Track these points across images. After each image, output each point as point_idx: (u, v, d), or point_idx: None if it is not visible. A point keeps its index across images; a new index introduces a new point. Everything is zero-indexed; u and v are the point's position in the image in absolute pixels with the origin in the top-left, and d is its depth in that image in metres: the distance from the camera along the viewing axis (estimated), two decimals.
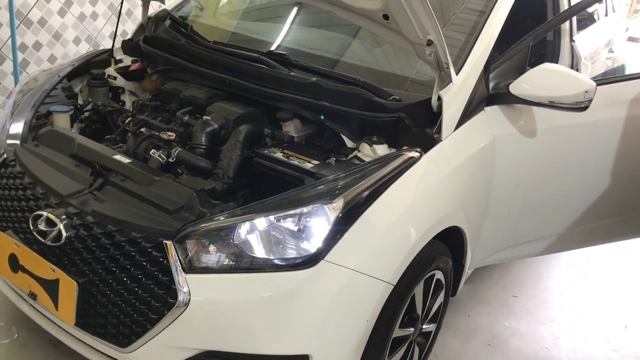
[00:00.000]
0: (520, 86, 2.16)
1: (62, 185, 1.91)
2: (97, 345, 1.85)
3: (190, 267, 1.69)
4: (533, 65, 2.21)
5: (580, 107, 2.10)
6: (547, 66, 2.18)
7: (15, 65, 3.52)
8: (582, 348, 2.77)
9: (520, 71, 2.23)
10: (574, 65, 2.94)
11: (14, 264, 1.92)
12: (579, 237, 2.85)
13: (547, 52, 2.92)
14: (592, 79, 2.18)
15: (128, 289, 1.73)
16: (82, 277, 1.77)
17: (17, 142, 2.17)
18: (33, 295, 1.89)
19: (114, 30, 2.78)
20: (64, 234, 1.78)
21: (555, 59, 2.87)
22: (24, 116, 2.27)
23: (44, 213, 1.80)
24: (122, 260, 1.74)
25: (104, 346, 1.82)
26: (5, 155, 2.12)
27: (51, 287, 1.83)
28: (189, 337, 1.70)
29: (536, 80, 2.15)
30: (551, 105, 2.13)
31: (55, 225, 1.78)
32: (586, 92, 2.08)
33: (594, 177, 2.67)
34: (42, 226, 1.80)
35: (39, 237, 1.82)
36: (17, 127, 2.23)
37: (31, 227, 1.82)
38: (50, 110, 2.33)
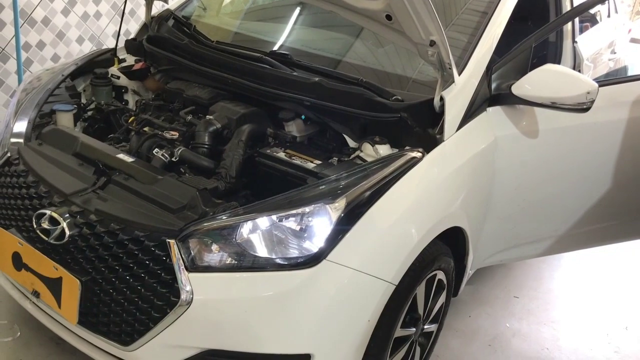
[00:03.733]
0: (523, 87, 2.16)
1: (65, 184, 1.91)
2: (99, 343, 1.86)
3: (193, 266, 1.69)
4: (535, 66, 2.21)
5: (582, 108, 2.10)
6: (549, 67, 2.18)
7: (19, 64, 3.53)
8: (583, 349, 2.77)
9: (523, 72, 2.23)
10: (576, 66, 2.94)
11: (18, 262, 1.93)
12: (580, 239, 2.85)
13: (549, 53, 2.93)
14: (594, 80, 2.17)
15: (131, 288, 1.73)
16: (85, 276, 1.77)
17: (21, 140, 2.17)
18: (36, 294, 1.90)
19: (118, 29, 2.78)
20: (67, 232, 1.78)
21: (557, 60, 2.87)
22: (27, 115, 2.28)
23: (48, 211, 1.80)
24: (125, 258, 1.74)
25: (107, 345, 1.83)
26: (9, 154, 2.13)
27: (54, 286, 1.84)
28: (191, 335, 1.71)
29: (538, 81, 2.15)
30: (553, 106, 2.13)
31: (59, 223, 1.79)
32: (588, 93, 2.08)
33: (595, 178, 2.67)
34: (45, 224, 1.80)
35: (42, 236, 1.82)
36: (21, 126, 2.24)
37: (34, 226, 1.83)
38: (53, 109, 2.34)
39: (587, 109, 2.10)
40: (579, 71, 2.91)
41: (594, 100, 2.09)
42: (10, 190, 2.03)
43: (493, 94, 2.24)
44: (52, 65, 3.12)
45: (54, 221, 1.80)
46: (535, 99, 2.15)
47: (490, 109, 2.24)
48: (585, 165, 2.61)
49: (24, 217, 1.94)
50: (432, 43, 1.88)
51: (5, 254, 1.97)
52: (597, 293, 3.26)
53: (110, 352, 1.85)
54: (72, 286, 1.78)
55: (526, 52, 2.29)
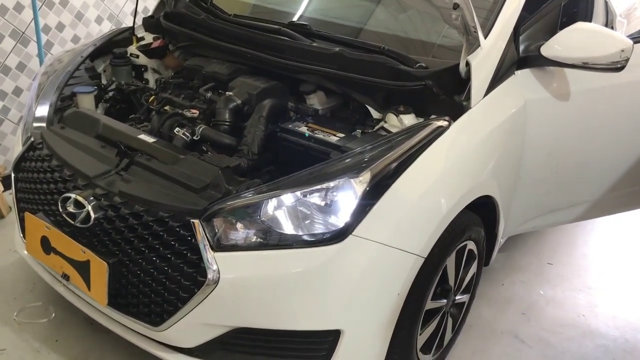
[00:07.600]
0: (552, 47, 2.08)
1: (88, 167, 1.91)
2: (130, 324, 1.88)
3: (219, 245, 1.68)
4: (565, 25, 2.12)
5: (617, 67, 2.03)
6: (580, 25, 2.09)
7: (40, 47, 3.52)
8: (621, 315, 2.71)
9: (552, 32, 2.15)
10: (609, 23, 2.82)
11: (46, 246, 1.95)
12: (614, 203, 2.78)
13: (579, 10, 2.80)
14: (628, 37, 2.08)
15: (158, 269, 1.73)
16: (112, 258, 1.78)
17: (44, 124, 2.17)
18: (66, 277, 1.91)
19: (135, 7, 2.75)
20: (92, 215, 1.79)
21: (588, 17, 2.75)
22: (49, 98, 2.28)
23: (72, 195, 1.81)
24: (150, 240, 1.74)
25: (138, 325, 1.84)
26: (32, 139, 2.13)
27: (83, 268, 1.84)
28: (220, 314, 1.71)
29: (569, 41, 2.07)
30: (585, 66, 2.06)
31: (84, 207, 1.79)
32: (622, 51, 2.00)
33: (630, 140, 2.59)
34: (70, 208, 1.81)
35: (68, 219, 1.83)
36: (43, 110, 2.24)
37: (60, 210, 1.84)
38: (74, 91, 2.33)
39: (621, 68, 2.03)
40: (612, 28, 2.79)
41: (629, 59, 2.00)
42: (35, 175, 2.04)
43: (521, 57, 2.16)
44: (72, 46, 3.10)
45: (79, 204, 1.80)
46: (566, 60, 2.07)
47: (518, 72, 2.17)
48: (620, 127, 2.52)
49: (50, 202, 1.95)
50: (456, 6, 1.81)
51: (34, 239, 1.98)
52: (634, 257, 3.17)
53: (141, 332, 1.87)
54: (100, 269, 1.79)
55: (555, 10, 2.19)
